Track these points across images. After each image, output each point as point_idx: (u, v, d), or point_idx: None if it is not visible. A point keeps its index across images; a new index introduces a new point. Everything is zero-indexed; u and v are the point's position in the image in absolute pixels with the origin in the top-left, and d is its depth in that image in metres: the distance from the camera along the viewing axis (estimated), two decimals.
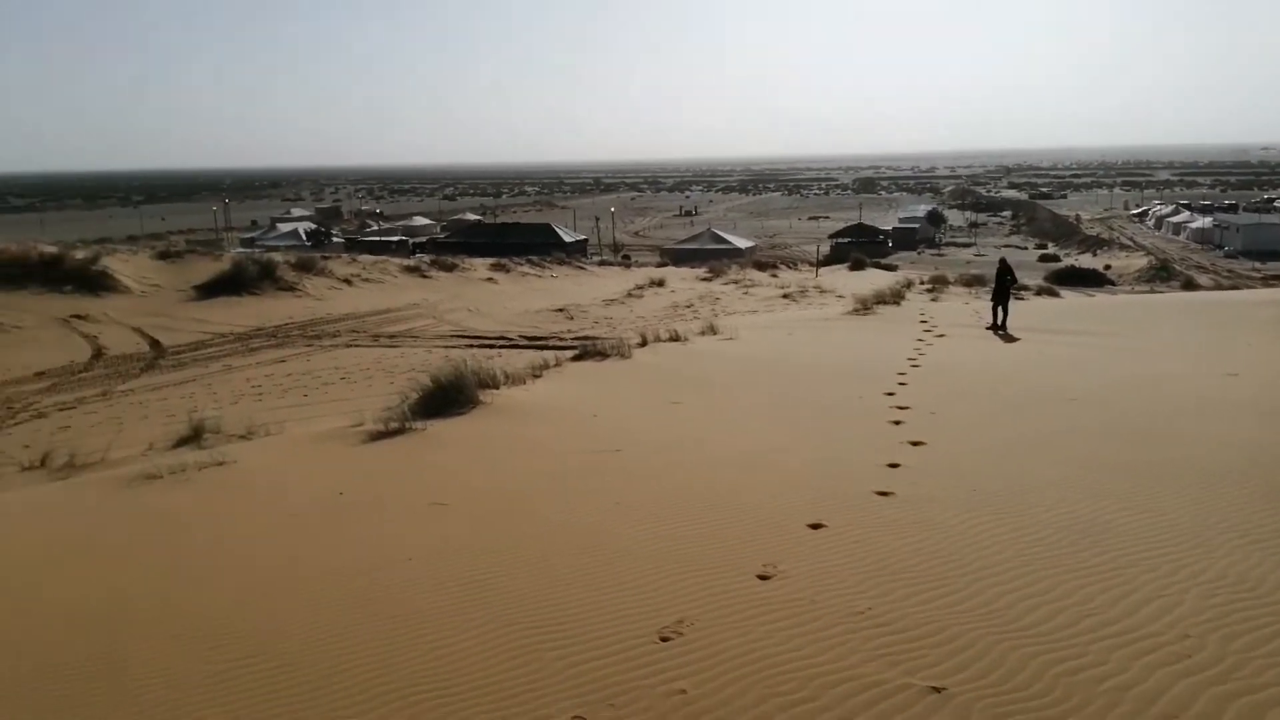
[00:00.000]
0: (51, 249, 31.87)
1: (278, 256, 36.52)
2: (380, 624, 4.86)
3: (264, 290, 31.72)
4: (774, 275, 47.22)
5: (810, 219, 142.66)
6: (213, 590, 5.35)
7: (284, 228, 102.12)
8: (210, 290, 30.95)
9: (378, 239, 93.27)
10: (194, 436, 14.41)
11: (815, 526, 6.33)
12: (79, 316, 26.61)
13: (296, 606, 5.15)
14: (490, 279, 41.26)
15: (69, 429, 16.53)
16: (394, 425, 9.85)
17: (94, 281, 29.82)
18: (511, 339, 26.20)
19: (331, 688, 4.26)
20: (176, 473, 8.16)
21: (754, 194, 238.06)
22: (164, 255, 35.09)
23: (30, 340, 24.12)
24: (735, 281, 41.86)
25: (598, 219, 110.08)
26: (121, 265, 32.05)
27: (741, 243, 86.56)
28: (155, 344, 24.25)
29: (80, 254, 31.65)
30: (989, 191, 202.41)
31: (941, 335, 18.12)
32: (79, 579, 5.73)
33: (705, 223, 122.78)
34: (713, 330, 18.64)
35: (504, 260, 46.63)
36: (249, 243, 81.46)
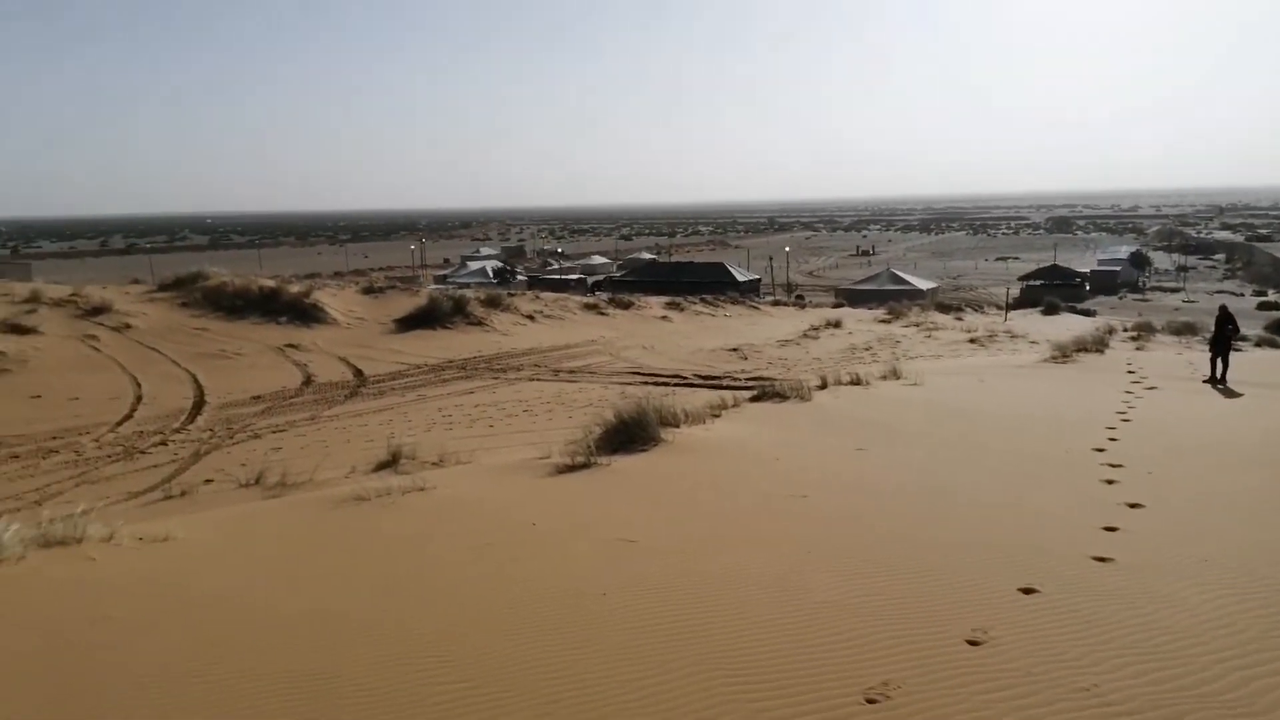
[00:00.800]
0: (270, 283, 34.89)
1: (469, 293, 38.44)
2: (590, 660, 4.85)
3: (455, 325, 33.42)
4: (959, 318, 45.31)
5: (998, 260, 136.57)
6: (422, 614, 5.52)
7: (473, 265, 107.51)
8: (408, 324, 32.94)
9: (558, 277, 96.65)
10: (392, 462, 15.25)
11: (1027, 591, 5.88)
12: (292, 345, 28.87)
13: (504, 634, 5.23)
14: (665, 317, 41.75)
15: (281, 450, 17.83)
16: (580, 460, 10.02)
17: (306, 313, 32.38)
18: (686, 377, 26.31)
19: None
20: (382, 496, 8.59)
21: (936, 233, 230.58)
22: (368, 290, 37.66)
23: (249, 366, 26.35)
24: (916, 324, 40.46)
25: (771, 258, 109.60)
26: (330, 299, 34.63)
27: (922, 284, 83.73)
28: (358, 373, 25.94)
29: (295, 288, 34.46)
30: (1199, 232, 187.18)
31: (1152, 388, 16.74)
32: (295, 595, 6.07)
33: (884, 262, 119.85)
34: (895, 374, 18.01)
35: (678, 299, 47.16)
36: (441, 280, 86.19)
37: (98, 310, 30.41)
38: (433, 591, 5.95)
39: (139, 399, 22.30)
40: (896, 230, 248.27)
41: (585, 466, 9.85)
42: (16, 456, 17.58)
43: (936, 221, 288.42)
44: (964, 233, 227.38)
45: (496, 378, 26.02)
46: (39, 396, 22.21)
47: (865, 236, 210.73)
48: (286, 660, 4.91)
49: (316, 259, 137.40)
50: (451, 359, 28.31)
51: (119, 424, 20.08)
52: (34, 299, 30.89)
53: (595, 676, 4.63)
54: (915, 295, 69.49)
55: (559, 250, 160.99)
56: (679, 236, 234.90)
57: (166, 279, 36.54)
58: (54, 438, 18.82)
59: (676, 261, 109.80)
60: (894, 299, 59.17)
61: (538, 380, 25.90)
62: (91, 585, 6.03)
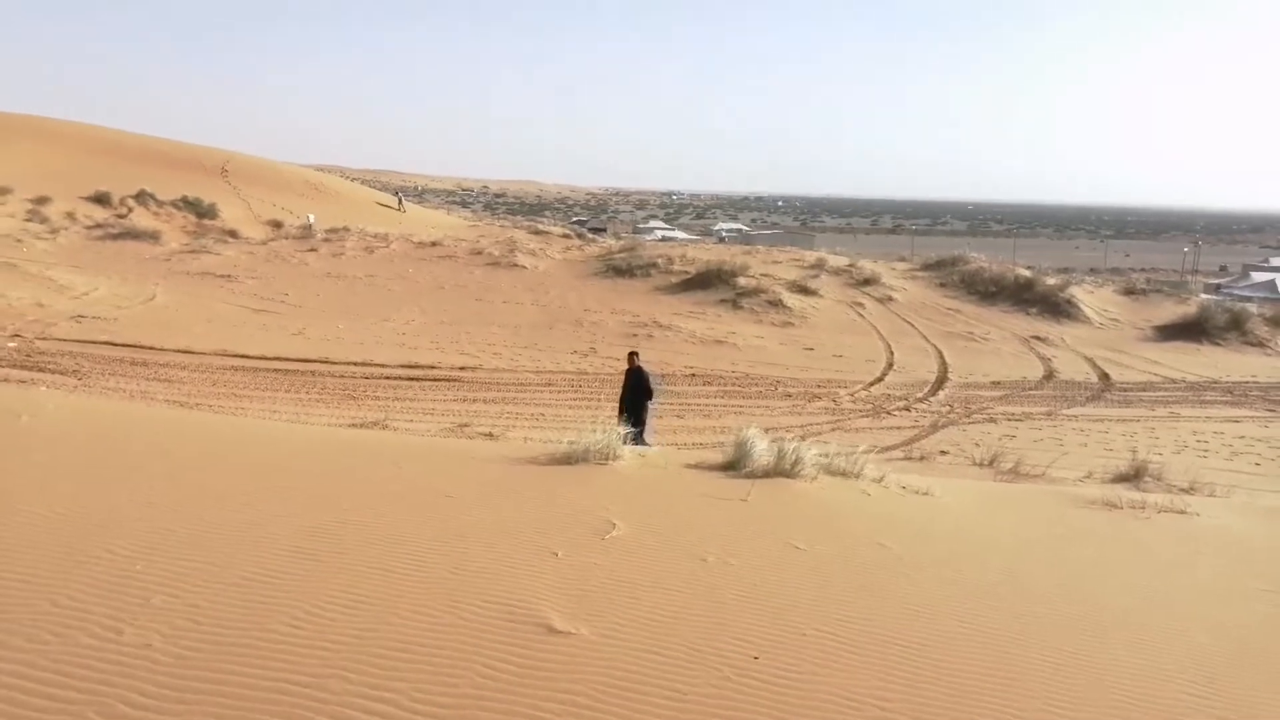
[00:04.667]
0: (1025, 273, 34.86)
1: (1251, 307, 33.21)
2: None
3: (1228, 341, 29.28)
4: None
5: None
6: (1176, 636, 5.11)
7: (1257, 277, 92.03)
8: (1168, 333, 29.94)
9: None
10: (1133, 476, 14.21)
11: None
12: (1038, 338, 28.59)
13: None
14: None
15: (1014, 438, 17.95)
16: None
17: (1058, 307, 31.66)
18: None
19: None
20: (1136, 509, 8.10)
21: None
22: (1128, 291, 35.15)
23: (992, 352, 26.88)
24: None
25: None
26: (1085, 296, 33.23)
27: None
28: (1104, 376, 24.55)
29: (1050, 280, 33.89)
30: None
31: None
32: (1048, 570, 6.12)
33: None
34: None
35: None
36: (1215, 289, 76.02)
37: (866, 281, 34.12)
38: (1198, 619, 5.42)
39: (890, 365, 24.54)
40: None
41: None
42: (789, 396, 20.95)
43: None
44: None
45: (1273, 409, 22.15)
46: (811, 349, 26.00)
47: None
48: (1038, 643, 4.98)
49: (1073, 253, 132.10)
50: (1217, 379, 24.93)
51: (871, 384, 22.43)
52: (818, 266, 36.01)
53: None
54: None
55: None
56: None
57: (928, 260, 39.15)
58: (819, 386, 21.90)
59: None
60: None
61: None
62: (869, 514, 6.95)
